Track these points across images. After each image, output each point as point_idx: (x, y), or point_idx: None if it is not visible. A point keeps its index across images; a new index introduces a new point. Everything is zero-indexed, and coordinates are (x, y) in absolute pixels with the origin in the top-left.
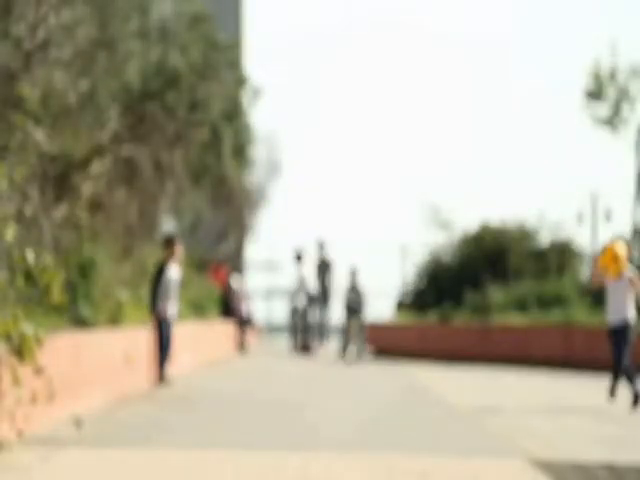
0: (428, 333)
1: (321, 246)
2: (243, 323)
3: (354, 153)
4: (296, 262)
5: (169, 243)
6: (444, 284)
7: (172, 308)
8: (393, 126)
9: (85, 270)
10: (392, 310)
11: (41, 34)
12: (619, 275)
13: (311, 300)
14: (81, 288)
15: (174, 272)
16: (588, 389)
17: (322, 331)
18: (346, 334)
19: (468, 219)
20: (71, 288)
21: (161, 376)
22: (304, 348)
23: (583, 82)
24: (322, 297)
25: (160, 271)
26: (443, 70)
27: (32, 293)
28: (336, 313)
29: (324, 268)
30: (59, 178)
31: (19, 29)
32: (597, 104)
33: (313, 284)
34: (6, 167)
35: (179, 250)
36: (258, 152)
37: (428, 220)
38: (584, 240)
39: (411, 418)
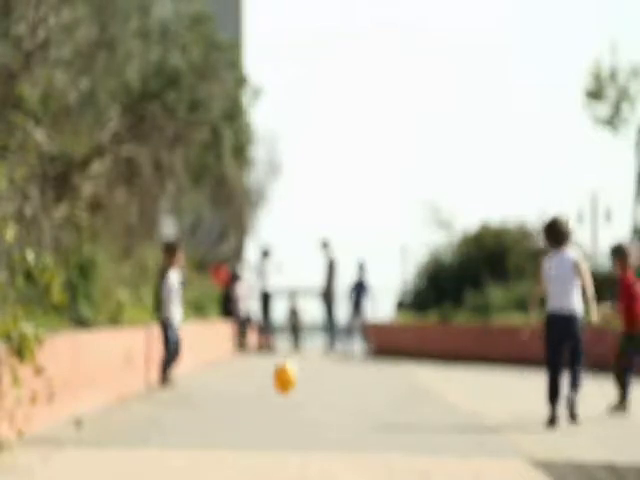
0: (428, 333)
1: (326, 245)
2: (243, 323)
3: (354, 153)
4: (262, 258)
5: (171, 249)
6: (444, 284)
7: (177, 313)
8: (393, 126)
9: (85, 270)
10: (392, 310)
11: (41, 34)
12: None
13: (266, 299)
14: (81, 288)
15: (176, 278)
16: (588, 389)
17: (332, 331)
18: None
19: (468, 219)
20: (71, 288)
21: (164, 378)
22: (260, 347)
23: (583, 82)
24: (330, 296)
25: (163, 277)
26: (443, 70)
27: (32, 293)
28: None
29: (332, 267)
30: (59, 178)
31: (19, 29)
32: (597, 104)
33: (322, 282)
34: (6, 167)
35: (181, 257)
36: (258, 152)
37: (428, 220)
38: (584, 240)
39: (411, 418)
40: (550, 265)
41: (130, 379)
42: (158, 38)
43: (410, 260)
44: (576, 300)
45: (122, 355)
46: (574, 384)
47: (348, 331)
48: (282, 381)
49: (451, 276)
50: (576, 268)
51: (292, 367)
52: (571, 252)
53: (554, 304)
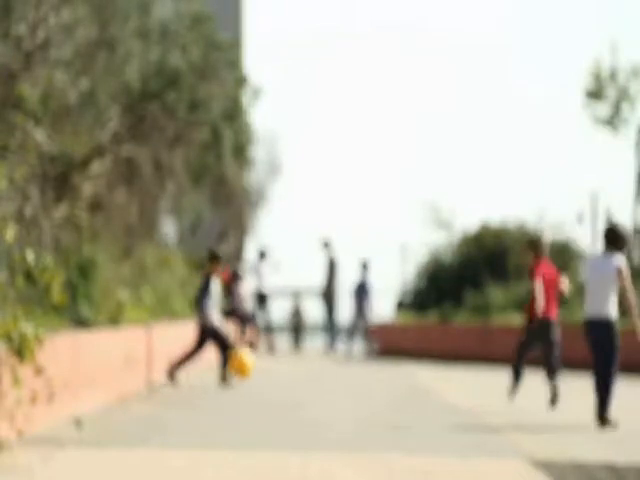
0: (428, 333)
1: (327, 245)
2: (244, 323)
3: (354, 153)
4: (260, 259)
5: (215, 259)
6: (444, 284)
7: (216, 317)
8: (393, 125)
9: (85, 270)
10: (392, 310)
11: (41, 34)
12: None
13: (261, 299)
14: (81, 288)
15: (217, 285)
16: (588, 389)
17: (333, 331)
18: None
19: (468, 219)
20: (71, 288)
21: (172, 375)
22: (250, 345)
23: (583, 82)
24: (330, 296)
25: (207, 282)
26: (443, 70)
27: (32, 293)
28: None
29: (332, 267)
30: (59, 178)
31: (19, 29)
32: (597, 104)
33: (323, 282)
34: (6, 167)
35: (220, 267)
36: (258, 152)
37: (428, 220)
38: (584, 240)
39: (411, 418)
40: (590, 268)
41: (130, 379)
42: (158, 38)
43: (410, 260)
44: (612, 306)
45: (122, 355)
46: (604, 388)
47: (350, 331)
48: (238, 368)
49: (451, 276)
50: (619, 274)
51: (247, 356)
52: (617, 257)
53: (590, 310)
